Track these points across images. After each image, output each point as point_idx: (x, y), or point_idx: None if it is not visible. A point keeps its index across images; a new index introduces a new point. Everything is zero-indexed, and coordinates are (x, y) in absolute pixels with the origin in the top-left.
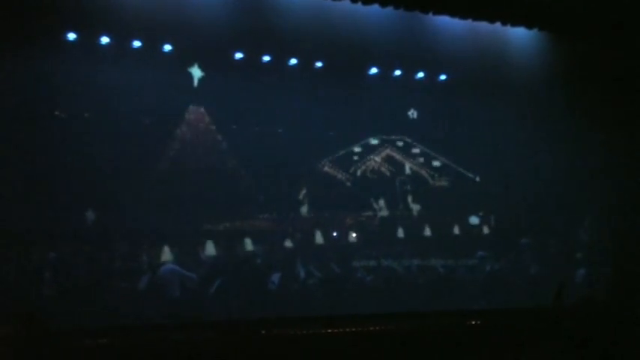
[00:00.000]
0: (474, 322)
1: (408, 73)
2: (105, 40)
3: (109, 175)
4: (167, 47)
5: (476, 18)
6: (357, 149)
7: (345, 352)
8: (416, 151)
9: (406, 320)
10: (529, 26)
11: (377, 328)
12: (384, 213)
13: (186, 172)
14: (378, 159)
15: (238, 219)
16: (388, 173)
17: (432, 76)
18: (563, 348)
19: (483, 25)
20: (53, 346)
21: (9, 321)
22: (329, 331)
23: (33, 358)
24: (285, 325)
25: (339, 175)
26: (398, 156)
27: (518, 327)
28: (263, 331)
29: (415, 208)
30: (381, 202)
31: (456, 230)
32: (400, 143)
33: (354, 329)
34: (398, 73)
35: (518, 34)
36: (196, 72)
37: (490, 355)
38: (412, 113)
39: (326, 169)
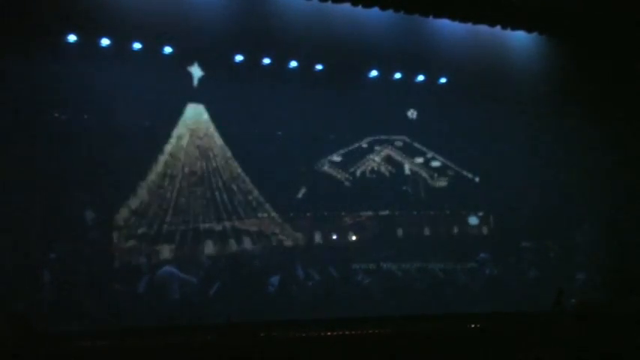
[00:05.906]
0: (473, 326)
1: (408, 75)
2: (105, 42)
3: (109, 176)
4: (167, 49)
5: (476, 21)
6: (356, 149)
7: (344, 356)
8: (415, 151)
9: (405, 323)
10: (529, 30)
11: (376, 331)
12: (384, 213)
13: (185, 172)
14: (377, 159)
15: (237, 219)
16: (387, 173)
17: (432, 79)
18: (563, 351)
19: (483, 29)
20: (51, 347)
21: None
22: (328, 333)
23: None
24: (284, 328)
25: (339, 176)
26: (397, 156)
27: (518, 330)
28: (262, 334)
29: (414, 208)
30: (381, 202)
31: (455, 230)
32: (399, 143)
33: (353, 332)
34: (398, 75)
35: (518, 38)
36: (196, 71)
37: (490, 358)
38: (412, 113)
39: (325, 169)
